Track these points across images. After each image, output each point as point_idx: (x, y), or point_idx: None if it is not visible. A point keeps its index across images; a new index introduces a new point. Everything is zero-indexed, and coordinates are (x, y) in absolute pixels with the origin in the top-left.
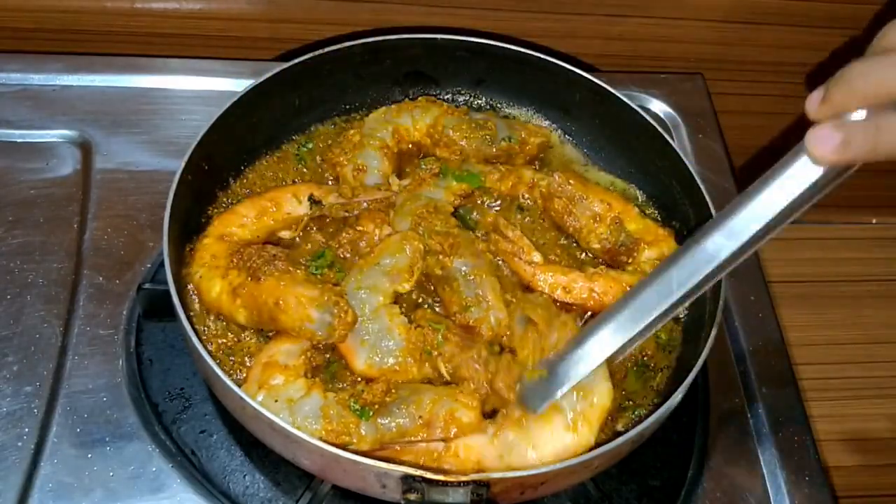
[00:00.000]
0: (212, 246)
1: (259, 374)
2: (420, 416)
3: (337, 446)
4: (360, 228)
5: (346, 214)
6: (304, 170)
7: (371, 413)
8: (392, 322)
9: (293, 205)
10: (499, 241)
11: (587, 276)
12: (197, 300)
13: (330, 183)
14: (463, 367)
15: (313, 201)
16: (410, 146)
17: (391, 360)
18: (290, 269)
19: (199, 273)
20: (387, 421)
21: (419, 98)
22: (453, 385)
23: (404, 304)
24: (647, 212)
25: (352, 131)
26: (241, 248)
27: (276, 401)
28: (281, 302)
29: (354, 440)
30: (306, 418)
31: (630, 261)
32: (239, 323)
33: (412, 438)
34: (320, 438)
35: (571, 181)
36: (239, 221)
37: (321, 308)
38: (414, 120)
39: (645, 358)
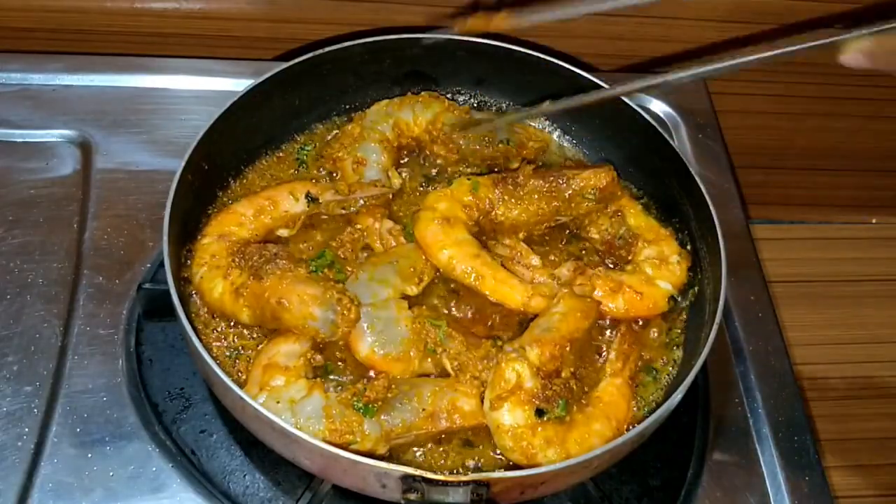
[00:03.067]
0: (211, 246)
1: (260, 375)
2: (423, 409)
3: (339, 446)
4: (358, 226)
5: (343, 211)
6: (305, 170)
7: (375, 410)
8: (400, 314)
9: (290, 202)
10: (496, 246)
11: (586, 277)
12: (198, 300)
13: (326, 179)
14: (470, 365)
15: (310, 199)
16: (410, 141)
17: (394, 350)
18: (292, 267)
19: (199, 273)
20: (390, 417)
21: (422, 93)
22: (450, 376)
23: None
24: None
25: (351, 125)
26: (242, 247)
27: (278, 402)
28: (284, 301)
29: (358, 439)
30: (309, 419)
31: (630, 257)
32: (242, 322)
33: (417, 432)
34: (323, 439)
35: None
36: (237, 220)
37: (324, 306)
38: (415, 115)
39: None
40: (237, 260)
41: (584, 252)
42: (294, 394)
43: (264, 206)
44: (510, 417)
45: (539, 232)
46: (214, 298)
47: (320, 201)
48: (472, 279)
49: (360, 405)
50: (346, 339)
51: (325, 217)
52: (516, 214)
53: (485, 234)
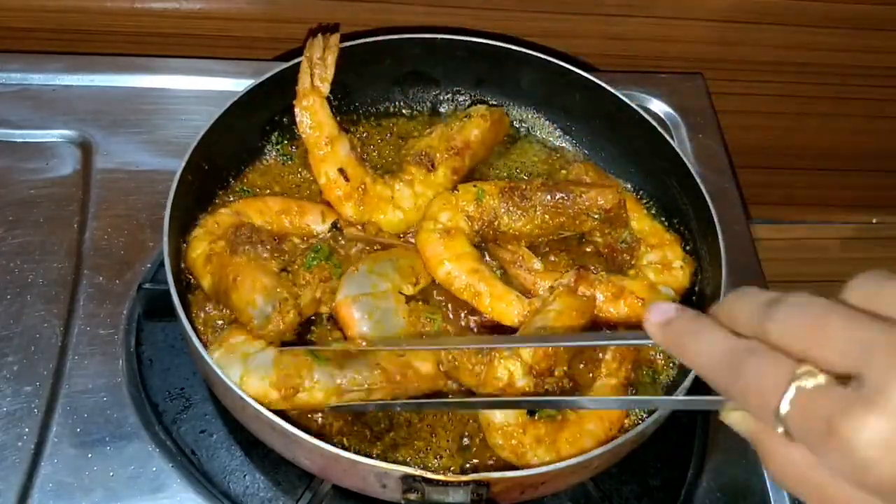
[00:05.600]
0: (223, 217)
1: (224, 335)
2: (377, 363)
3: (288, 396)
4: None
5: (355, 249)
6: (305, 171)
7: (326, 359)
8: (398, 305)
9: (316, 220)
10: (498, 250)
11: (588, 283)
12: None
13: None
14: (464, 360)
15: (335, 227)
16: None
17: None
18: (267, 256)
19: (195, 233)
20: (342, 371)
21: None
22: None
23: None
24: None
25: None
26: (245, 227)
27: (232, 354)
28: (238, 280)
29: (307, 384)
30: (259, 367)
31: (633, 261)
32: (203, 288)
33: (371, 386)
34: (271, 385)
35: (590, 172)
36: (260, 209)
37: (267, 298)
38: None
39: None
40: (230, 233)
41: (586, 255)
42: (248, 348)
43: (292, 209)
44: (501, 415)
45: (542, 242)
46: (191, 257)
47: (343, 233)
48: (470, 295)
49: (311, 354)
50: (273, 338)
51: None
52: (520, 226)
53: (486, 241)
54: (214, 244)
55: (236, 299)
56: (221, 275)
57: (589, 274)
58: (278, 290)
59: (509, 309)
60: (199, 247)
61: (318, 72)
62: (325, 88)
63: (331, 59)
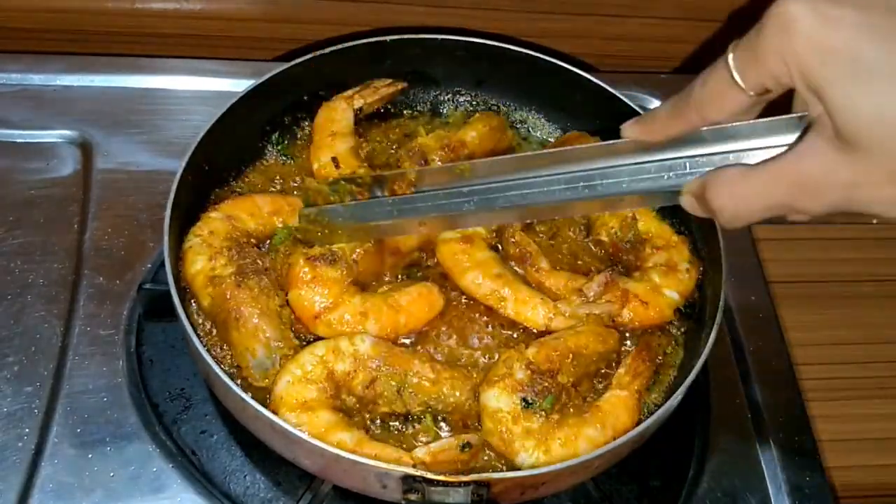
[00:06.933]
0: (214, 222)
1: None
2: None
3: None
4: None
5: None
6: (305, 172)
7: None
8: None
9: None
10: (507, 245)
11: (616, 289)
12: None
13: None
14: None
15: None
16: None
17: None
18: (270, 292)
19: (190, 242)
20: None
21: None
22: None
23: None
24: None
25: None
26: (244, 241)
27: None
28: (240, 320)
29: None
30: None
31: (638, 263)
32: (200, 305)
33: None
34: None
35: None
36: (250, 209)
37: (268, 352)
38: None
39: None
40: (230, 251)
41: (590, 255)
42: None
43: (283, 208)
44: (495, 402)
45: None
46: (189, 272)
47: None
48: (495, 301)
49: None
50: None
51: None
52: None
53: (501, 240)
54: (215, 261)
55: (236, 339)
56: (223, 306)
57: (618, 280)
58: (280, 344)
59: (534, 312)
60: (198, 262)
61: (364, 92)
62: (357, 104)
63: (382, 92)
